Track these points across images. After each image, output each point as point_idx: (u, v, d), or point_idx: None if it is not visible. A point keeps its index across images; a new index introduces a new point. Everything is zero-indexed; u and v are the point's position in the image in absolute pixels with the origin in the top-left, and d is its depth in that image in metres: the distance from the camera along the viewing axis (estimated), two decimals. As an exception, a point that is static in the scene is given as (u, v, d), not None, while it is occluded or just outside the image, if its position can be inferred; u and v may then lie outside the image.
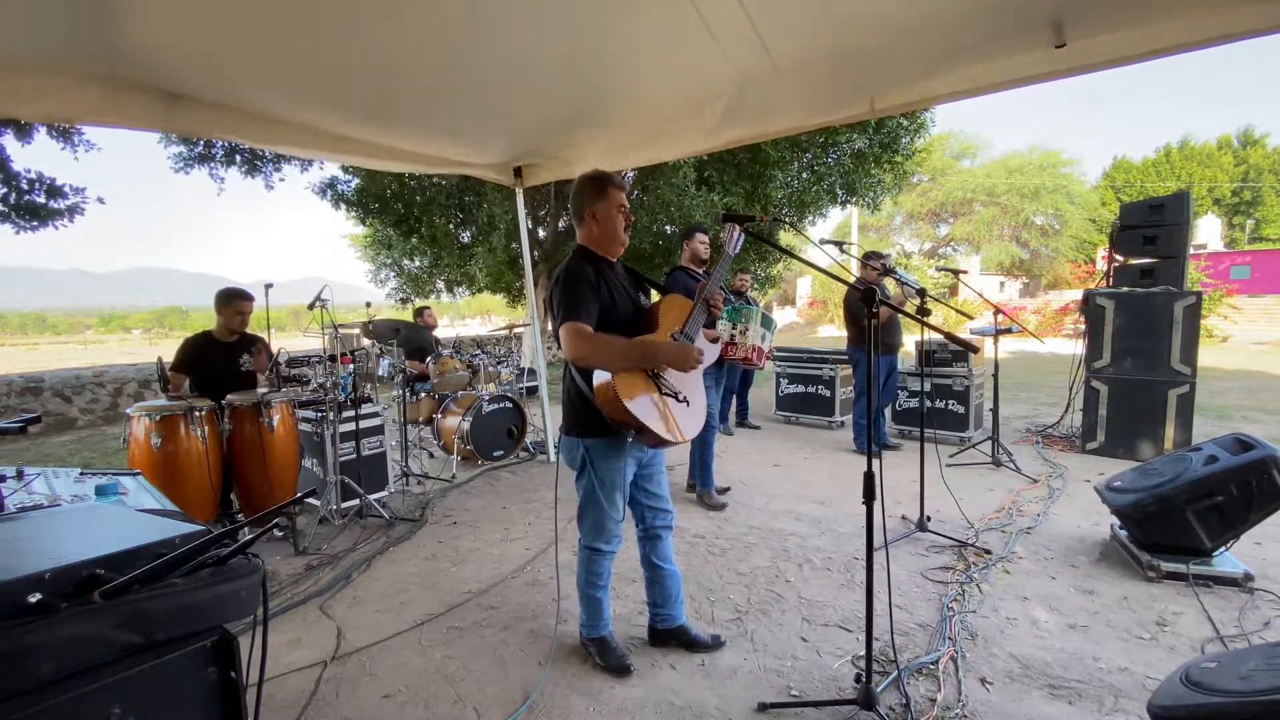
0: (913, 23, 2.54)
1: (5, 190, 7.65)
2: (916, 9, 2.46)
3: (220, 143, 8.79)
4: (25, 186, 7.80)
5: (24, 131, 7.56)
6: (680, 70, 3.06)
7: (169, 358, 3.71)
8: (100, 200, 8.70)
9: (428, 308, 6.28)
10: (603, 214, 2.18)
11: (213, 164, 9.21)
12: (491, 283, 12.72)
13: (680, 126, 3.71)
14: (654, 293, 2.52)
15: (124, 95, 2.86)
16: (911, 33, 2.59)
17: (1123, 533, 3.27)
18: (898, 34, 2.61)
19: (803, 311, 31.36)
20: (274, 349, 3.94)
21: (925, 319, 2.55)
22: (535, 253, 11.38)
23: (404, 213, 10.74)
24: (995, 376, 5.10)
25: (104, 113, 2.87)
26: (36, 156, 8.54)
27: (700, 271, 3.92)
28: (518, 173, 4.79)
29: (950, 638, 2.47)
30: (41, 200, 7.91)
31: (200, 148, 8.98)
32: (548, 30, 2.65)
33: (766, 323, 3.31)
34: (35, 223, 7.99)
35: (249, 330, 3.97)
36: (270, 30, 2.49)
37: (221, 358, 3.77)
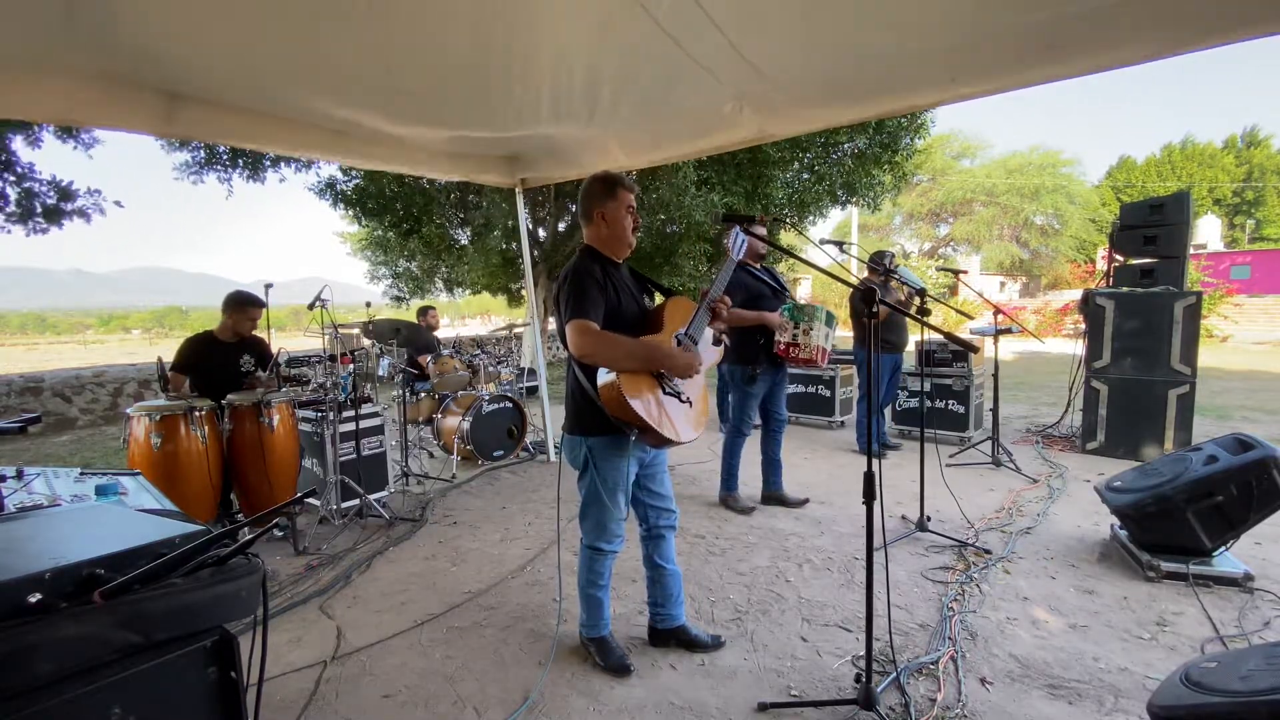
0: (908, 40, 2.54)
1: (19, 194, 7.67)
2: (909, 30, 2.46)
3: (223, 146, 8.80)
4: (40, 190, 7.80)
5: (31, 139, 7.58)
6: (681, 78, 3.05)
7: (169, 358, 3.70)
8: (119, 204, 8.73)
9: (432, 308, 6.26)
10: (612, 215, 2.19)
11: (219, 168, 9.21)
12: (486, 283, 12.71)
13: (682, 131, 3.71)
14: (657, 295, 2.52)
15: (124, 96, 2.85)
16: (909, 48, 2.58)
17: (1123, 533, 3.27)
18: (896, 49, 2.60)
19: (805, 312, 31.29)
20: (274, 349, 3.94)
21: (925, 319, 2.55)
22: (535, 253, 11.37)
23: (403, 214, 10.71)
24: (995, 376, 5.10)
25: (104, 114, 2.86)
26: (51, 157, 8.59)
27: (759, 268, 3.81)
28: (517, 173, 4.79)
29: (950, 638, 2.47)
30: (54, 202, 7.91)
31: (204, 152, 8.97)
32: (549, 38, 2.64)
33: (830, 321, 3.16)
34: (47, 225, 8.01)
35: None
36: (271, 30, 2.49)
37: (223, 358, 3.77)
